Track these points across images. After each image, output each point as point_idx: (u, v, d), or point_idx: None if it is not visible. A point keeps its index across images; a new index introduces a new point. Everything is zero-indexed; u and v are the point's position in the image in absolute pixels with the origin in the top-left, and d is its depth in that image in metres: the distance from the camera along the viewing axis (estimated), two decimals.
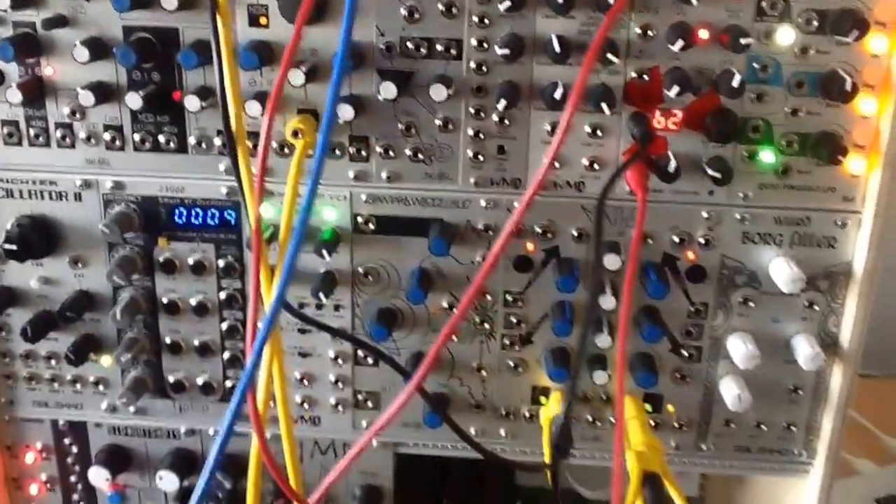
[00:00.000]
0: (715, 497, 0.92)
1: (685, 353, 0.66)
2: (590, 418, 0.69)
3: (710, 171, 0.60)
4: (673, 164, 0.59)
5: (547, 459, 0.62)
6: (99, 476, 0.72)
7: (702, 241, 0.63)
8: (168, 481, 0.72)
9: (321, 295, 0.64)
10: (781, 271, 0.62)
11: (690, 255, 0.64)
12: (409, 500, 0.88)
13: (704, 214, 0.63)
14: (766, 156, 0.61)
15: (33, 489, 0.76)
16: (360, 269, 0.66)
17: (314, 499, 0.58)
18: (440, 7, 0.59)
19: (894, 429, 1.09)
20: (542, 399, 0.68)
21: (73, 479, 0.76)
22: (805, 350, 0.63)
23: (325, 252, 0.63)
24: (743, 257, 0.64)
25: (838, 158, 0.59)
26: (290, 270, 0.49)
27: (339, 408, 0.70)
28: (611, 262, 0.62)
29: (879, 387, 1.20)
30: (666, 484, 0.60)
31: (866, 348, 1.29)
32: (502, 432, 0.70)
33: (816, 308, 0.64)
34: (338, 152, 0.63)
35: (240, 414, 0.49)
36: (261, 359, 0.50)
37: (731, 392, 0.65)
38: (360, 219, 0.65)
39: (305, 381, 0.70)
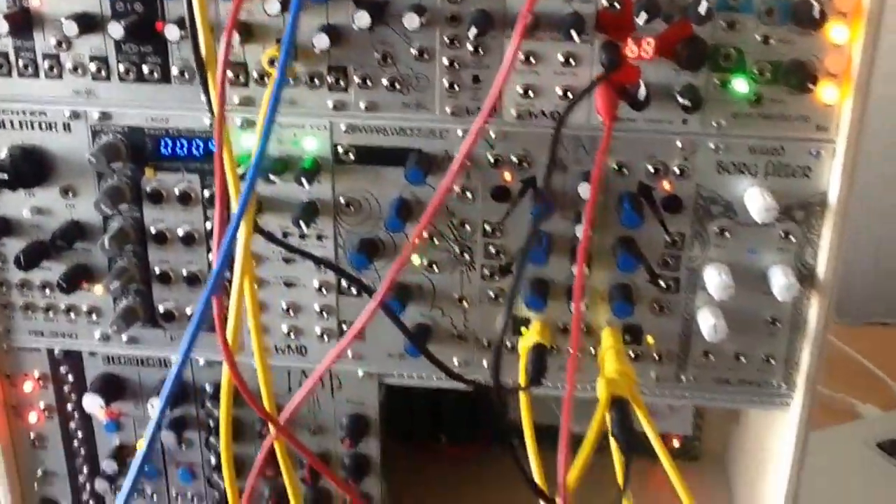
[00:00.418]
0: (710, 438, 0.93)
1: (663, 284, 0.67)
2: (570, 350, 0.70)
3: (680, 100, 0.60)
4: (643, 92, 0.59)
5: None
6: (93, 403, 0.74)
7: (677, 171, 0.64)
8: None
9: (301, 223, 0.65)
10: (755, 200, 0.62)
11: (666, 185, 0.64)
12: (403, 436, 0.90)
13: (679, 144, 0.63)
14: (739, 84, 0.61)
15: (32, 417, 0.78)
16: (342, 199, 0.67)
17: (284, 417, 0.59)
18: None
19: None
20: (523, 329, 0.69)
21: (70, 407, 0.78)
22: (780, 281, 0.64)
23: (304, 180, 0.64)
24: (718, 187, 0.64)
25: (809, 87, 0.59)
26: (252, 186, 0.50)
27: (325, 337, 0.72)
28: (584, 190, 0.63)
29: (891, 334, 1.20)
30: (634, 409, 0.61)
31: (877, 297, 1.29)
32: (484, 363, 0.71)
33: (793, 239, 0.65)
34: (317, 82, 0.64)
35: (202, 326, 0.50)
36: (224, 270, 0.51)
37: (707, 322, 0.65)
38: (340, 149, 0.66)
39: (291, 312, 0.71)
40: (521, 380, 0.64)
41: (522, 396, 0.63)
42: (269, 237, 0.64)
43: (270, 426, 0.61)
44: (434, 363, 0.63)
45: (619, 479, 0.60)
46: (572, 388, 0.57)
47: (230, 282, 0.59)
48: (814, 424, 0.98)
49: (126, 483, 0.50)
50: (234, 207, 0.56)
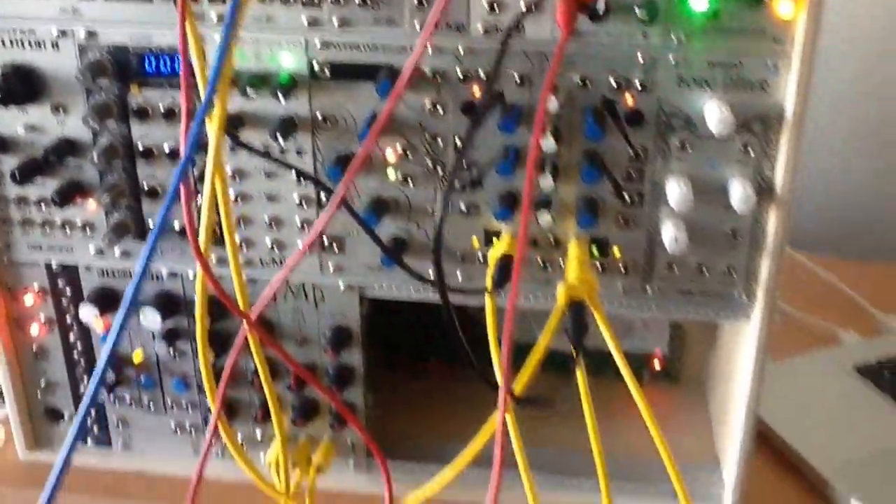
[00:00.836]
0: (690, 361, 0.95)
1: (627, 198, 0.69)
2: (540, 262, 0.72)
3: (638, 13, 0.62)
4: (602, 4, 0.61)
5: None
6: (88, 313, 0.78)
7: (639, 85, 0.66)
8: (151, 319, 0.77)
9: (279, 136, 0.68)
10: (713, 113, 0.64)
11: (629, 99, 0.66)
12: (393, 359, 0.93)
13: (640, 58, 0.65)
14: (696, 2, 0.62)
15: (34, 329, 0.82)
16: (319, 115, 0.70)
17: (255, 313, 0.63)
18: None
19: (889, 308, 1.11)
20: (495, 240, 0.72)
21: (68, 319, 0.82)
22: (738, 193, 0.66)
23: (280, 95, 0.67)
24: (679, 101, 0.66)
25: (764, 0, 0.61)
26: (213, 87, 0.52)
27: (308, 251, 0.75)
28: (551, 104, 0.65)
29: (882, 270, 1.21)
30: (593, 311, 0.63)
31: (868, 234, 1.31)
32: (458, 275, 0.74)
33: (751, 153, 0.67)
34: None
35: (163, 230, 0.53)
36: (190, 163, 0.53)
37: (668, 234, 0.67)
38: (315, 65, 0.68)
39: (273, 225, 0.74)
40: (487, 285, 0.67)
41: (487, 300, 0.65)
42: (248, 147, 0.67)
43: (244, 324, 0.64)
44: (406, 270, 0.66)
45: (581, 388, 0.63)
46: (517, 289, 0.59)
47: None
48: (795, 349, 1.01)
49: (86, 395, 0.52)
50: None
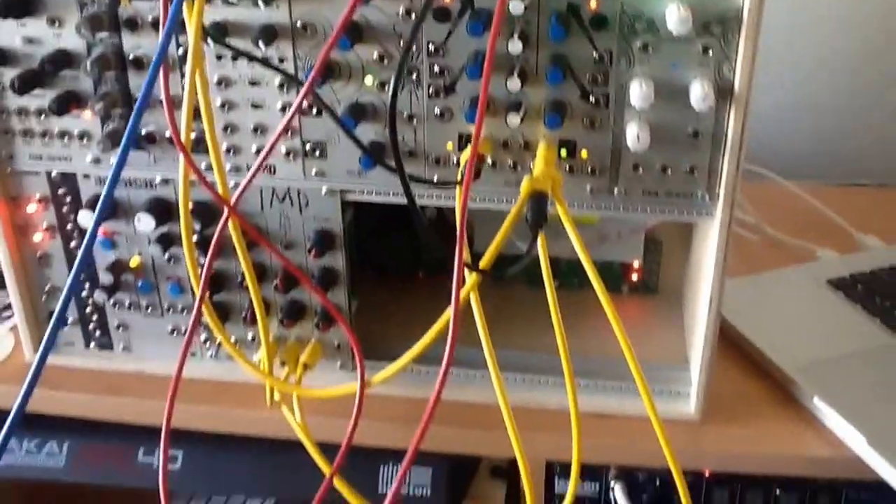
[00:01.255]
0: (668, 273, 0.99)
1: (593, 100, 0.72)
2: (510, 164, 0.76)
3: None
4: None
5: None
6: (86, 218, 0.82)
7: None
8: (145, 223, 0.81)
9: (261, 43, 0.72)
10: (672, 13, 0.67)
11: (593, 3, 0.69)
12: (382, 274, 0.97)
13: None
14: None
15: (37, 237, 0.86)
16: (299, 23, 0.73)
17: (234, 200, 0.67)
18: None
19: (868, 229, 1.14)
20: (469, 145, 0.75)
21: (69, 227, 0.86)
22: (697, 92, 0.69)
23: (260, 2, 0.71)
24: (641, 4, 0.69)
25: None
26: None
27: (290, 156, 0.78)
28: (515, 7, 0.68)
29: (864, 194, 1.24)
30: (556, 204, 0.67)
31: (855, 158, 1.33)
32: (435, 178, 0.77)
33: (711, 54, 0.69)
34: None
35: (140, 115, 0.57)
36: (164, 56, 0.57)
37: (631, 132, 0.71)
38: None
39: (259, 132, 0.78)
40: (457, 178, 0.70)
41: (458, 191, 0.69)
42: (230, 47, 0.71)
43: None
44: (384, 166, 0.70)
45: (546, 283, 0.66)
46: (469, 181, 0.63)
47: None
48: (771, 265, 1.04)
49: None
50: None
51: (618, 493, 0.91)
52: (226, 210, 0.69)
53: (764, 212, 1.15)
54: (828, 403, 0.81)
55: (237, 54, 0.73)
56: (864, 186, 1.28)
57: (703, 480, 0.94)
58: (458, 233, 0.65)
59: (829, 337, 0.92)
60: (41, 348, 0.62)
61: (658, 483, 0.94)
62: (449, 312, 0.66)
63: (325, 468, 0.76)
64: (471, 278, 0.67)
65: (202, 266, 0.77)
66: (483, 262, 0.67)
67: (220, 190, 0.68)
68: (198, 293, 0.70)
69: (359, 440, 0.76)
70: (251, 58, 0.72)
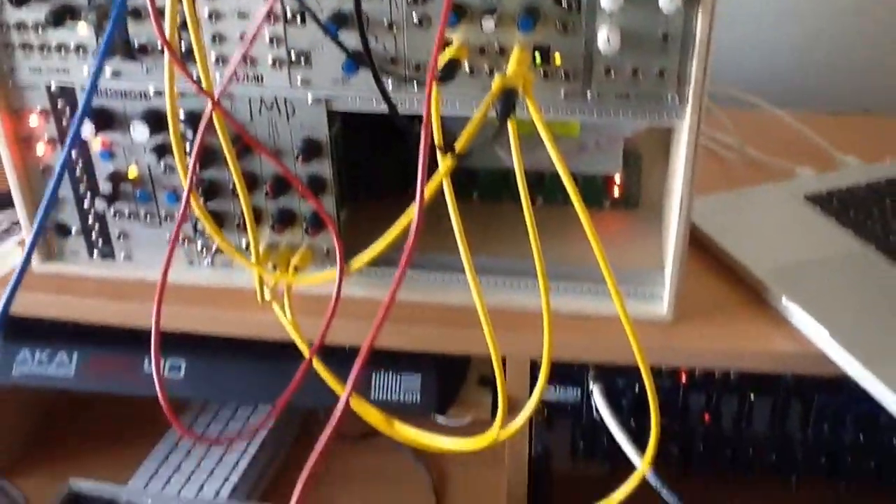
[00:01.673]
0: (649, 187, 1.01)
1: (565, 4, 0.75)
2: (487, 70, 0.79)
3: None
4: None
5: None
6: (85, 129, 0.86)
7: None
8: (140, 132, 0.85)
9: None
10: None
11: None
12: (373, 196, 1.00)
13: None
14: None
15: (40, 149, 0.90)
16: None
17: (218, 92, 0.70)
18: None
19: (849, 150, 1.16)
20: (446, 49, 0.78)
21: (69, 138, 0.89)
22: None
23: None
24: None
25: None
26: None
27: (277, 65, 0.82)
28: None
29: (849, 120, 1.27)
30: (525, 101, 0.70)
31: (842, 87, 1.36)
32: (415, 85, 0.80)
33: None
34: None
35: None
36: None
37: (602, 35, 0.74)
38: None
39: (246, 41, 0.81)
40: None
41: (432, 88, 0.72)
42: None
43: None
44: (367, 66, 0.73)
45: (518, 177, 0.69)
46: (433, 75, 0.66)
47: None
48: (752, 183, 1.07)
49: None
50: None
51: (596, 394, 0.95)
52: (209, 105, 0.72)
53: (748, 135, 1.18)
54: (795, 302, 0.84)
55: None
56: (849, 114, 1.30)
57: (680, 386, 0.98)
58: (424, 114, 0.68)
59: (801, 245, 0.95)
60: (28, 243, 0.66)
61: (637, 389, 0.98)
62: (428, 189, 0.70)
63: (306, 352, 0.80)
64: (443, 162, 0.70)
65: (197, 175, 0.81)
66: (459, 147, 0.70)
67: (204, 85, 0.71)
68: (182, 201, 0.73)
69: (350, 341, 0.80)
70: None
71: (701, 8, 0.73)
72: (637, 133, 0.96)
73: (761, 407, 0.99)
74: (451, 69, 0.74)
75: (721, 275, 0.93)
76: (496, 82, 0.71)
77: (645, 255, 0.92)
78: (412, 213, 0.71)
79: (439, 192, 0.72)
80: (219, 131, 0.74)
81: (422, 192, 0.68)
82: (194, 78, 0.71)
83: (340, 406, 0.67)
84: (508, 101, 0.69)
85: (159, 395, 0.79)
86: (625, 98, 0.78)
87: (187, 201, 0.75)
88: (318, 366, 0.81)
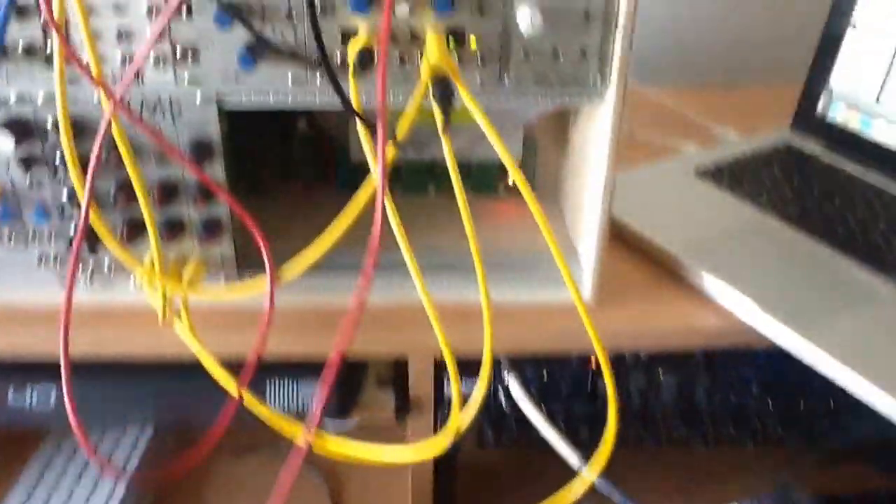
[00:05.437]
0: (544, 173, 0.99)
1: None
2: (398, 58, 0.73)
3: None
4: None
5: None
6: None
7: None
8: (3, 142, 0.75)
9: None
10: None
11: None
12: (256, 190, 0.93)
13: None
14: None
15: None
16: None
17: (119, 93, 0.62)
18: None
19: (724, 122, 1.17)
20: (352, 38, 0.72)
21: None
22: None
23: None
24: None
25: None
26: None
27: (160, 62, 0.73)
28: None
29: (715, 92, 1.28)
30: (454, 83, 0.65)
31: (701, 60, 1.37)
32: (317, 80, 0.74)
33: None
34: None
35: None
36: None
37: (524, 15, 0.69)
38: None
39: (123, 39, 0.72)
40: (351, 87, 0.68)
41: (351, 82, 0.66)
42: None
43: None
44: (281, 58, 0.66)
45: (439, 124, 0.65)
46: (384, 60, 0.61)
47: None
48: (640, 162, 1.06)
49: None
50: None
51: (513, 385, 0.91)
52: (108, 110, 0.63)
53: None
54: (717, 277, 0.83)
55: None
56: (712, 86, 1.32)
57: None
58: (378, 109, 0.63)
59: (705, 220, 0.94)
60: None
61: (545, 377, 0.96)
62: (359, 200, 0.64)
63: (230, 386, 0.73)
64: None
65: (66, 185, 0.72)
66: (399, 135, 0.64)
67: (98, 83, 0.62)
68: (81, 212, 0.65)
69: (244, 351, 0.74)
70: None
71: None
72: (539, 117, 0.93)
73: (669, 382, 0.98)
74: (365, 59, 0.69)
75: (634, 256, 0.91)
76: (424, 69, 0.65)
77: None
78: (348, 215, 0.65)
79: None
80: (116, 136, 0.66)
81: (383, 188, 0.62)
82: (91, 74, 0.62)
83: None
84: (447, 89, 0.64)
85: (72, 423, 0.70)
86: (544, 81, 0.75)
87: (86, 216, 0.66)
88: (250, 402, 0.73)
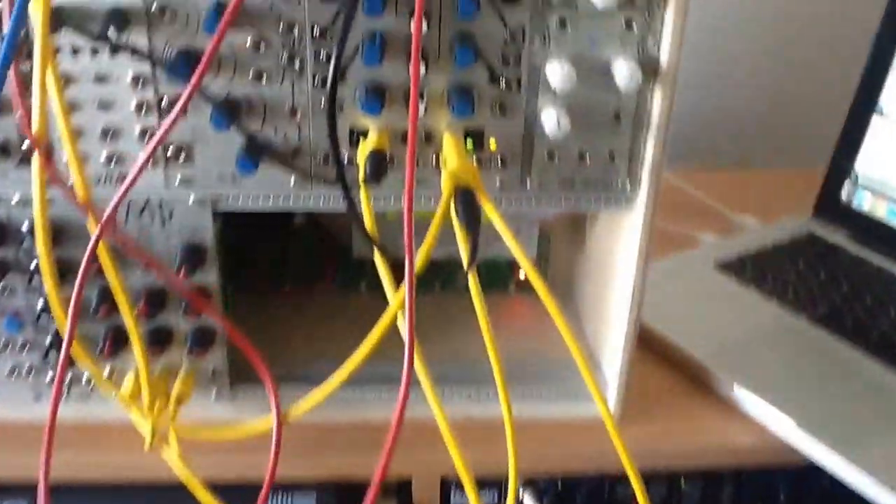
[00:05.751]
0: (558, 269, 0.92)
1: (503, 84, 0.64)
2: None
3: None
4: None
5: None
6: None
7: None
8: None
9: (111, 28, 0.60)
10: None
11: None
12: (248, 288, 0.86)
13: None
14: None
15: None
16: (154, 7, 0.62)
17: (107, 214, 0.55)
18: None
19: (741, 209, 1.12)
20: (362, 140, 0.66)
21: None
22: (622, 70, 0.62)
23: None
24: None
25: None
26: None
27: (150, 164, 0.67)
28: None
29: (727, 175, 1.23)
30: (479, 198, 0.59)
31: (709, 143, 1.32)
32: (321, 183, 0.68)
33: (635, 28, 0.63)
34: None
35: None
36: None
37: (550, 118, 0.63)
38: None
39: (109, 137, 0.66)
40: (360, 179, 0.61)
41: (363, 191, 0.60)
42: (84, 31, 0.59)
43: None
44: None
45: (465, 258, 0.59)
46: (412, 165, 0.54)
47: None
48: (657, 254, 1.00)
49: None
50: None
51: (527, 500, 0.84)
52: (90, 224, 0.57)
53: None
54: (749, 390, 0.77)
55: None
56: (725, 168, 1.27)
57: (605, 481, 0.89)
58: (405, 232, 0.56)
59: (733, 321, 0.88)
60: None
61: (560, 486, 0.89)
62: (382, 323, 0.57)
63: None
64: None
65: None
66: (418, 266, 0.58)
67: (80, 194, 0.56)
68: (66, 326, 0.58)
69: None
70: (115, 47, 0.61)
71: (660, 83, 0.64)
72: (556, 216, 0.87)
73: (691, 492, 0.91)
74: (378, 165, 0.62)
75: (656, 359, 0.85)
76: (446, 181, 0.59)
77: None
78: (361, 351, 0.58)
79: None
80: (99, 249, 0.59)
81: (411, 305, 0.56)
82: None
83: None
84: (470, 202, 0.58)
85: None
86: (568, 185, 0.68)
87: (73, 328, 0.59)
88: None
